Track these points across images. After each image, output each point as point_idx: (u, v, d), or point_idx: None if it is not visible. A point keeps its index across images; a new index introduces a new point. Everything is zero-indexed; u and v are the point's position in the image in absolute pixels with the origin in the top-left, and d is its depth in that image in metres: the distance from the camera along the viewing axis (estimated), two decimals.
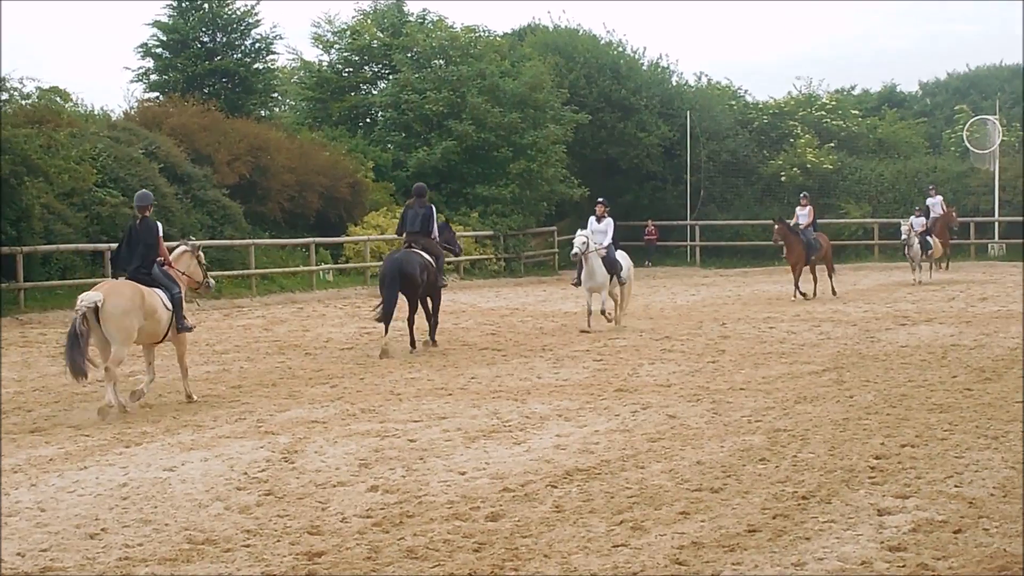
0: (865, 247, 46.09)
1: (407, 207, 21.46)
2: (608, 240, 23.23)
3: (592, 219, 23.60)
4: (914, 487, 10.01)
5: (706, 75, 57.25)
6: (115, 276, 16.67)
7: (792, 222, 30.32)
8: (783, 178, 48.19)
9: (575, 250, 22.74)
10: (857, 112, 53.11)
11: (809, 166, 47.94)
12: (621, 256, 23.78)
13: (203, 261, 16.57)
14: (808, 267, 30.02)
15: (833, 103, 52.31)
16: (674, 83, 51.38)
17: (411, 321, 20.50)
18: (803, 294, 29.34)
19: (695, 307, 27.36)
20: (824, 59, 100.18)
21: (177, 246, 16.54)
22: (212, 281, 16.80)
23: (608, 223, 23.42)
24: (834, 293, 30.12)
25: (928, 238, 35.50)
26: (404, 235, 21.09)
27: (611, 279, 23.18)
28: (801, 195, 31.73)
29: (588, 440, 12.21)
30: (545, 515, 9.33)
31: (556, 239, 44.76)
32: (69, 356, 14.14)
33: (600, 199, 24.85)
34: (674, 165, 48.91)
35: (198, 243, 17.44)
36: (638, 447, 11.81)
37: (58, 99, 33.30)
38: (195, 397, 15.32)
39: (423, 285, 20.29)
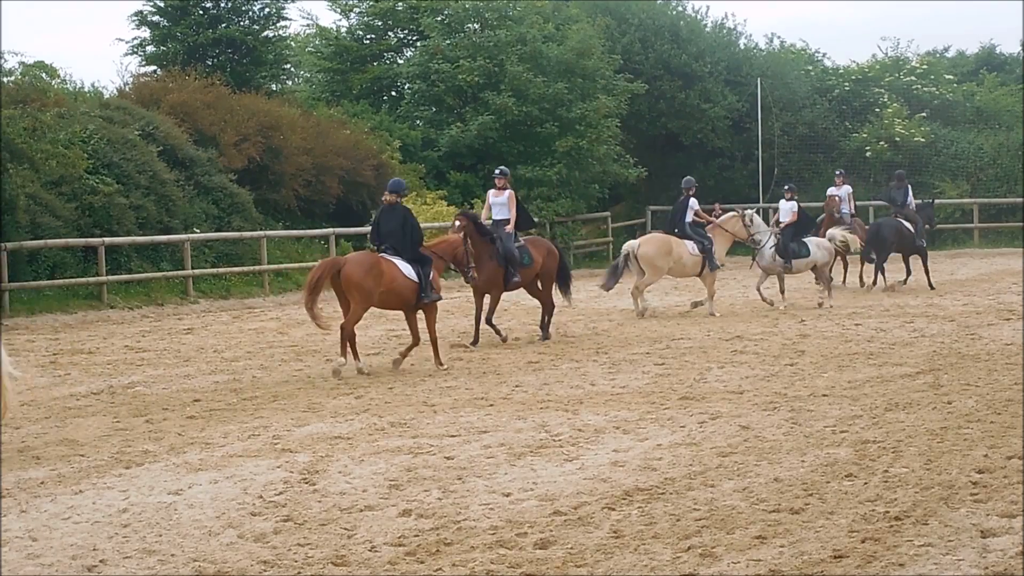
0: (963, 231, 45.69)
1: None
2: None
3: None
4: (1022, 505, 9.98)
5: (779, 37, 57.28)
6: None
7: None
8: (868, 153, 47.91)
9: None
10: (952, 77, 52.67)
11: (898, 139, 47.64)
12: None
13: (747, 223, 26.11)
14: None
15: (924, 67, 51.92)
16: (742, 46, 51.24)
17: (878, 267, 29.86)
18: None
19: None
20: (913, 16, 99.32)
21: (729, 211, 26.95)
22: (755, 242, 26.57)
23: None
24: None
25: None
26: (894, 208, 30.78)
27: None
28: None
29: (649, 455, 12.22)
30: (602, 541, 9.35)
31: (610, 226, 44.74)
32: (609, 276, 24.66)
33: None
34: (743, 140, 48.78)
35: (749, 211, 26.99)
36: (707, 463, 11.81)
37: (44, 75, 33.47)
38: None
39: (905, 245, 30.16)
